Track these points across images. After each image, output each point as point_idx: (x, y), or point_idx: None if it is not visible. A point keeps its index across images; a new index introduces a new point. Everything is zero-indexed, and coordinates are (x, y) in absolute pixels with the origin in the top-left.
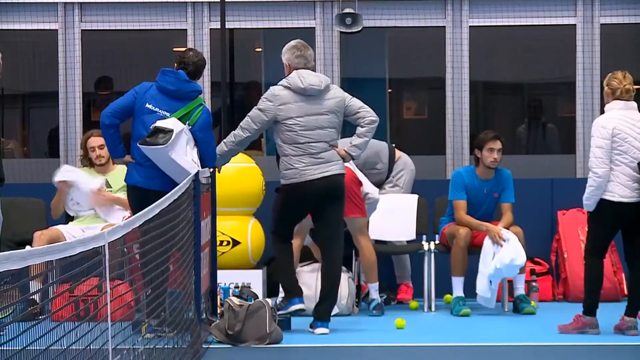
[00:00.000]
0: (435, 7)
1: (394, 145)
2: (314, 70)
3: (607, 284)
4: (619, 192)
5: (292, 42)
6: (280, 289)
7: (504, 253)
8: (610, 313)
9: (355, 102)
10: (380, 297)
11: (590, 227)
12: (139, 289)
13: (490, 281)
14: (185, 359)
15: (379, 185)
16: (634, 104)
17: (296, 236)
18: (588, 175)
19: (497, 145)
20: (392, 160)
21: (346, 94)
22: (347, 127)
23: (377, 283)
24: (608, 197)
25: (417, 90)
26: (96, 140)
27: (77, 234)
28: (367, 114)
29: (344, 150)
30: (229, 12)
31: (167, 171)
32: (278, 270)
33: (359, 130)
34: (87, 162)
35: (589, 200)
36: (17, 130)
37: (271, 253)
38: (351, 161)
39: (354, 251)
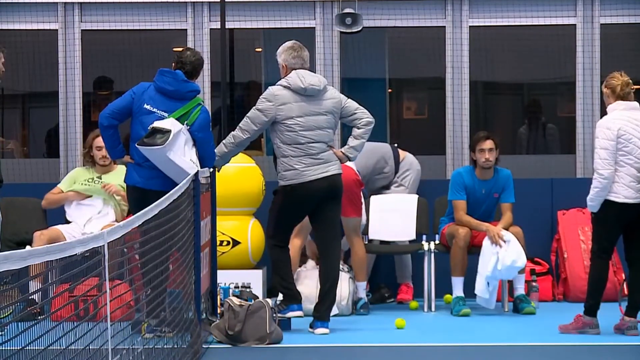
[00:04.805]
0: (435, 7)
1: (396, 145)
2: (310, 70)
3: (607, 284)
4: (623, 192)
5: (288, 43)
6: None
7: (504, 255)
8: (610, 313)
9: (352, 104)
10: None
11: (594, 228)
12: (139, 289)
13: (488, 282)
14: (185, 359)
15: (386, 186)
16: (637, 104)
17: (296, 237)
18: (593, 177)
19: (487, 145)
20: (397, 161)
21: (342, 96)
22: (345, 128)
23: (366, 282)
24: (612, 197)
25: (417, 90)
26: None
27: (77, 234)
28: (364, 115)
29: (341, 151)
30: (229, 12)
31: (166, 171)
32: (276, 276)
33: (356, 131)
34: (89, 160)
35: (594, 201)
36: (17, 130)
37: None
38: (349, 162)
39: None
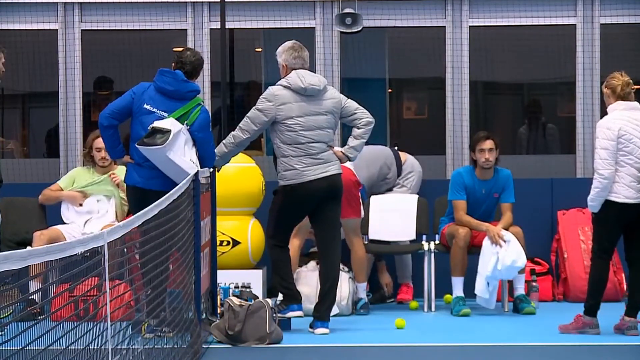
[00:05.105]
0: (435, 7)
1: (396, 148)
2: (310, 70)
3: (607, 284)
4: (624, 192)
5: (289, 43)
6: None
7: (504, 255)
8: (610, 313)
9: (352, 104)
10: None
11: (595, 228)
12: (139, 289)
13: (488, 283)
14: (185, 359)
15: (389, 190)
16: (637, 104)
17: (295, 237)
18: (593, 177)
19: (487, 145)
20: (399, 165)
21: (342, 96)
22: (345, 128)
23: (366, 283)
24: (613, 198)
25: (417, 90)
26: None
27: (77, 234)
28: (364, 116)
29: (341, 151)
30: (229, 12)
31: (166, 171)
32: (276, 276)
33: (356, 131)
34: (90, 160)
35: (594, 201)
36: (17, 130)
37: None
38: (348, 163)
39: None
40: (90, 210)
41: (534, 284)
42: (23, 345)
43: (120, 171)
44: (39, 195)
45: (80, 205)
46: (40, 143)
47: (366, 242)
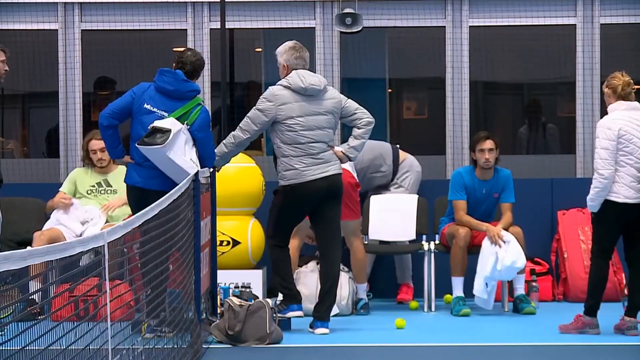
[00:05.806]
0: (435, 7)
1: (398, 146)
2: (310, 70)
3: (607, 284)
4: (624, 193)
5: (290, 43)
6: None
7: (504, 255)
8: (610, 313)
9: (352, 104)
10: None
11: (595, 228)
12: (139, 289)
13: (486, 283)
14: (185, 359)
15: (385, 187)
16: (638, 105)
17: (294, 237)
18: (593, 177)
19: (487, 145)
20: (396, 161)
21: (342, 96)
22: (345, 128)
23: (366, 284)
24: (613, 198)
25: (417, 90)
26: (97, 143)
27: (77, 230)
28: (364, 116)
29: (341, 151)
30: (229, 12)
31: (166, 171)
32: (276, 276)
33: (356, 131)
34: (89, 162)
35: (594, 201)
36: (17, 130)
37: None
38: (349, 163)
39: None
40: (83, 220)
41: (534, 284)
42: (23, 345)
43: (120, 171)
44: (42, 199)
45: (71, 204)
46: (40, 143)
47: (366, 242)
